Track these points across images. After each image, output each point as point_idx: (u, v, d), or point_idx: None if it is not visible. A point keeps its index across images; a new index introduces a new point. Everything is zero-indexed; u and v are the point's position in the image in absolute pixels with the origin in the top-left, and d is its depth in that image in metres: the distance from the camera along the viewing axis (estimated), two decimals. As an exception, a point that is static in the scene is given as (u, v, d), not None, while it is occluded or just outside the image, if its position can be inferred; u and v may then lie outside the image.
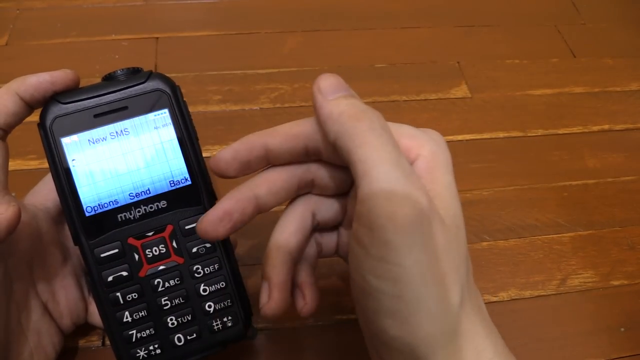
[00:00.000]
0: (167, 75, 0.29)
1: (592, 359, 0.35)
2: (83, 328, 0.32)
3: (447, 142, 0.25)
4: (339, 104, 0.23)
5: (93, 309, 0.31)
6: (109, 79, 0.28)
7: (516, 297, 0.38)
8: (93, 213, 0.27)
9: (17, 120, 0.27)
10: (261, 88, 0.48)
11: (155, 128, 0.28)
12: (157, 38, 0.51)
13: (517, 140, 0.47)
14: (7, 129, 0.27)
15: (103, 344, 0.33)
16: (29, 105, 0.27)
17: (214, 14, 0.54)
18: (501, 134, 0.47)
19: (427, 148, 0.24)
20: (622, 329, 0.36)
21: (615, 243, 0.41)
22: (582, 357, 0.35)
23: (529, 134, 0.47)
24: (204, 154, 0.29)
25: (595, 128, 0.49)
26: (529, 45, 0.55)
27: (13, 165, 0.41)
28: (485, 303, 0.37)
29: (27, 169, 0.41)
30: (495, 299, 0.37)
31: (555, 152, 0.46)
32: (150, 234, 0.27)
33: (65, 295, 0.30)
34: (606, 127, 0.49)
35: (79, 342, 0.33)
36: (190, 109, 0.29)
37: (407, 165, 0.22)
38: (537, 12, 0.58)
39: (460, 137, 0.46)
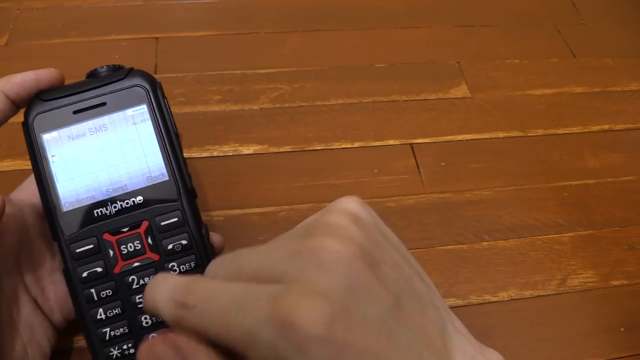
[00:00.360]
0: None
1: (592, 359, 0.35)
2: (82, 328, 0.32)
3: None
4: None
5: None
6: (92, 76, 0.29)
7: (516, 297, 0.38)
8: (70, 208, 0.27)
9: (3, 118, 0.27)
10: (261, 88, 0.48)
11: (133, 124, 0.28)
12: (157, 38, 0.51)
13: (517, 140, 0.47)
14: None
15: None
16: (15, 104, 0.27)
17: (213, 14, 0.54)
18: (501, 134, 0.47)
19: None
20: (622, 329, 0.36)
21: (615, 243, 0.41)
22: (582, 357, 0.35)
23: (529, 134, 0.47)
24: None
25: (595, 128, 0.49)
26: (529, 45, 0.55)
27: (13, 165, 0.41)
28: (485, 303, 0.38)
29: (27, 169, 0.41)
30: (495, 299, 0.37)
31: (555, 152, 0.46)
32: (125, 229, 0.27)
33: (54, 291, 0.30)
34: (606, 127, 0.49)
35: (78, 342, 0.33)
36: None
37: None
38: (537, 12, 0.58)
39: (460, 137, 0.46)
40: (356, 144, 0.45)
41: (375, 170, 0.44)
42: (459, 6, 0.58)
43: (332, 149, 0.45)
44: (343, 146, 0.45)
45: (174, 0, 0.55)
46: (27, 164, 0.41)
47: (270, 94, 0.48)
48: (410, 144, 0.46)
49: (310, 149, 0.44)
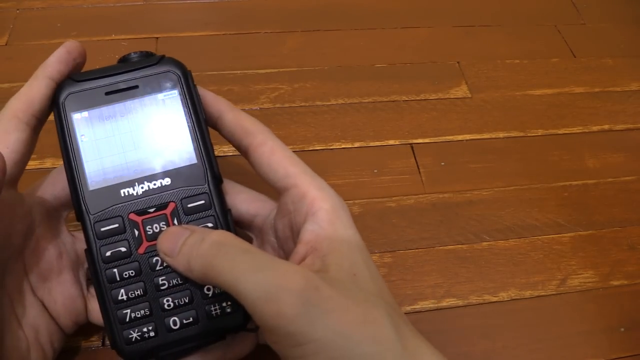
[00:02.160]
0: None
1: (592, 359, 0.35)
2: (83, 328, 0.32)
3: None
4: (184, 256, 0.25)
5: (93, 306, 0.30)
6: (123, 61, 0.29)
7: (516, 297, 0.38)
8: (97, 187, 0.27)
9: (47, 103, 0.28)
10: (261, 88, 0.48)
11: (164, 107, 0.28)
12: (157, 38, 0.51)
13: (517, 140, 0.47)
14: (41, 117, 0.28)
15: (103, 344, 0.33)
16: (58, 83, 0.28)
17: (214, 14, 0.54)
18: (501, 134, 0.47)
19: (329, 202, 0.27)
20: (622, 329, 0.36)
21: (615, 243, 0.41)
22: (582, 357, 0.35)
23: (529, 134, 0.47)
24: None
25: (595, 128, 0.49)
26: (529, 45, 0.55)
27: (13, 165, 0.41)
28: (486, 303, 0.38)
29: (29, 169, 0.40)
30: (495, 299, 0.37)
31: (555, 152, 0.46)
32: (152, 210, 0.27)
33: (61, 293, 0.29)
34: (606, 127, 0.49)
35: (78, 342, 0.33)
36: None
37: (265, 258, 0.24)
38: (537, 12, 0.58)
39: (460, 137, 0.46)
40: (356, 144, 0.45)
41: (375, 170, 0.44)
42: (459, 6, 0.58)
43: (332, 149, 0.45)
44: (343, 146, 0.45)
45: (174, 0, 0.55)
46: (29, 165, 0.41)
47: (270, 94, 0.48)
48: (410, 144, 0.46)
49: (310, 149, 0.44)
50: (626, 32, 0.57)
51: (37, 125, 0.28)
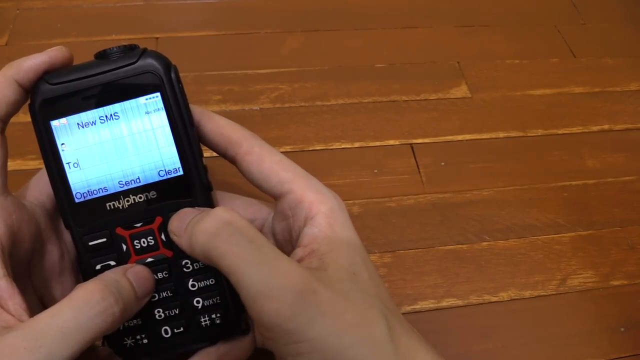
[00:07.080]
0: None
1: (592, 359, 0.35)
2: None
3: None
4: (187, 232, 0.25)
5: None
6: (102, 57, 0.27)
7: (516, 297, 0.38)
8: (82, 200, 0.26)
9: (17, 109, 0.26)
10: (261, 88, 0.48)
11: (146, 113, 0.26)
12: (157, 38, 0.51)
13: (517, 140, 0.47)
14: (7, 120, 0.26)
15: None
16: (28, 91, 0.26)
17: (214, 14, 0.54)
18: (501, 134, 0.47)
19: (327, 205, 0.27)
20: (622, 329, 0.36)
21: (615, 243, 0.41)
22: (582, 357, 0.35)
23: (529, 134, 0.47)
24: (204, 154, 0.29)
25: (595, 128, 0.49)
26: (529, 45, 0.55)
27: (13, 165, 0.41)
28: (486, 303, 0.38)
29: (27, 169, 0.41)
30: (495, 299, 0.37)
31: (555, 152, 0.46)
32: (138, 224, 0.27)
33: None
34: (606, 127, 0.49)
35: (79, 342, 0.33)
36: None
37: (270, 253, 0.24)
38: (537, 12, 0.58)
39: (460, 137, 0.46)
40: (356, 144, 0.45)
41: (375, 170, 0.44)
42: (459, 6, 0.58)
43: (332, 149, 0.45)
44: (343, 146, 0.45)
45: (174, 0, 0.55)
46: (27, 164, 0.41)
47: (270, 94, 0.48)
48: (410, 144, 0.46)
49: (310, 149, 0.44)
50: (626, 32, 0.57)
51: (3, 127, 0.27)
